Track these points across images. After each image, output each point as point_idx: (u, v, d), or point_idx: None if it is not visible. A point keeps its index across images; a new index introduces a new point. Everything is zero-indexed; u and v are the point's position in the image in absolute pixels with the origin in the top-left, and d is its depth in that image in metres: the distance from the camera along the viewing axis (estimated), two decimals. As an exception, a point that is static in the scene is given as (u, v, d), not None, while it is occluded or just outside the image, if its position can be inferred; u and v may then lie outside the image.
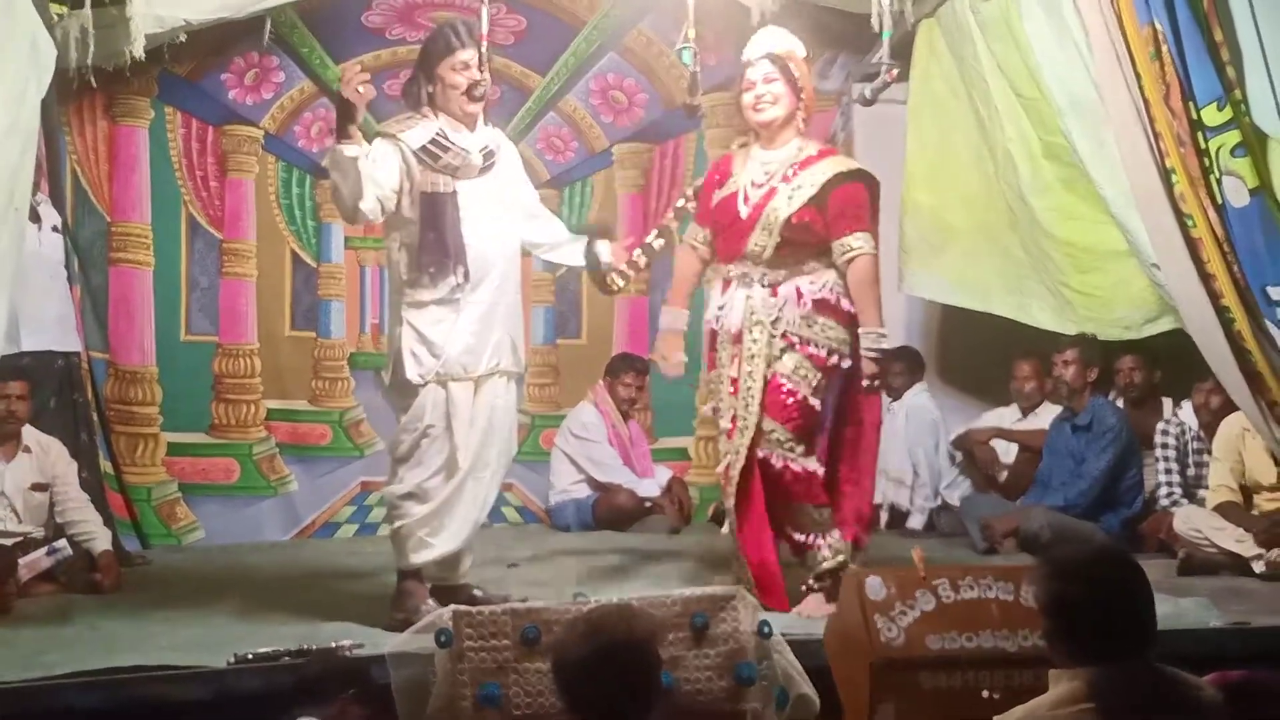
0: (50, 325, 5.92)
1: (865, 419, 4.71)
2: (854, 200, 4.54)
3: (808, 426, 4.53)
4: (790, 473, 4.50)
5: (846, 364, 4.56)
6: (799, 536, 4.59)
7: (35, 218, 5.91)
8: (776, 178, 4.56)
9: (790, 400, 4.48)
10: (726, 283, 4.64)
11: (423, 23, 6.68)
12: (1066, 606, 2.55)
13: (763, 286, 4.54)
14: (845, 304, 4.54)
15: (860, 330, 4.50)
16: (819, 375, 4.51)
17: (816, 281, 4.53)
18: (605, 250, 4.74)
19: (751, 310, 4.53)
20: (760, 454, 4.50)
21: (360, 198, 4.27)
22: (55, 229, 6.10)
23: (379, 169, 4.33)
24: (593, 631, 2.71)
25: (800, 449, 4.49)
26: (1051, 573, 2.61)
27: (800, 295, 4.51)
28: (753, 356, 4.52)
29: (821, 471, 4.59)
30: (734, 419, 4.54)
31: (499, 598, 4.47)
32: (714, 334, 4.70)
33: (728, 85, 7.26)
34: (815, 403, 4.52)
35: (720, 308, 4.65)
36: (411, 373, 4.38)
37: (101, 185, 6.86)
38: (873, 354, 4.48)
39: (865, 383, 4.52)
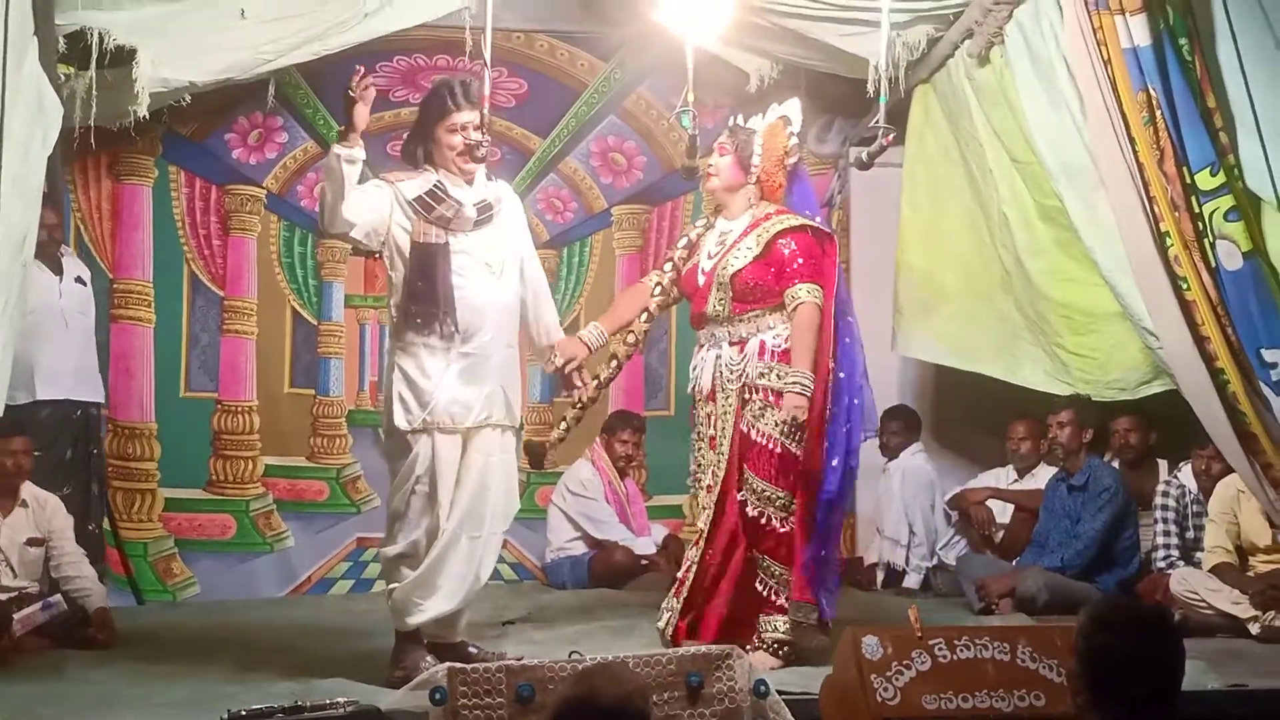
0: (66, 375, 5.99)
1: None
2: (800, 250, 4.70)
3: (794, 478, 4.65)
4: (769, 529, 4.64)
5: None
6: (759, 588, 4.69)
7: (58, 269, 6.02)
8: (729, 243, 4.78)
9: (773, 456, 4.61)
10: (699, 347, 4.87)
11: (425, 85, 6.74)
12: (1102, 656, 2.54)
13: (729, 345, 4.74)
14: (777, 353, 4.70)
15: (787, 369, 4.60)
16: (800, 428, 4.60)
17: (781, 335, 4.70)
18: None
19: (720, 369, 4.73)
20: (750, 512, 4.64)
21: (342, 199, 4.34)
22: (79, 280, 6.19)
23: (368, 197, 4.42)
24: (584, 685, 2.72)
25: (785, 500, 4.62)
26: (1093, 621, 2.61)
27: (764, 348, 4.69)
28: (725, 413, 4.70)
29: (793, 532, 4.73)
30: (713, 473, 4.73)
31: (494, 655, 4.46)
32: (693, 396, 4.90)
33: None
34: (798, 451, 4.62)
35: (694, 369, 4.87)
36: (400, 419, 4.41)
37: (104, 242, 6.91)
38: (793, 390, 4.55)
39: (780, 420, 4.57)
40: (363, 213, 4.42)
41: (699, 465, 4.86)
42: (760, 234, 4.72)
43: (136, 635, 5.48)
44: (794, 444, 4.59)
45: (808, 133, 7.37)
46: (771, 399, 4.61)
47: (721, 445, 4.70)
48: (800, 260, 4.69)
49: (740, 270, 4.68)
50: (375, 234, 4.48)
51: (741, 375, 4.67)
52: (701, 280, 4.80)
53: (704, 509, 4.76)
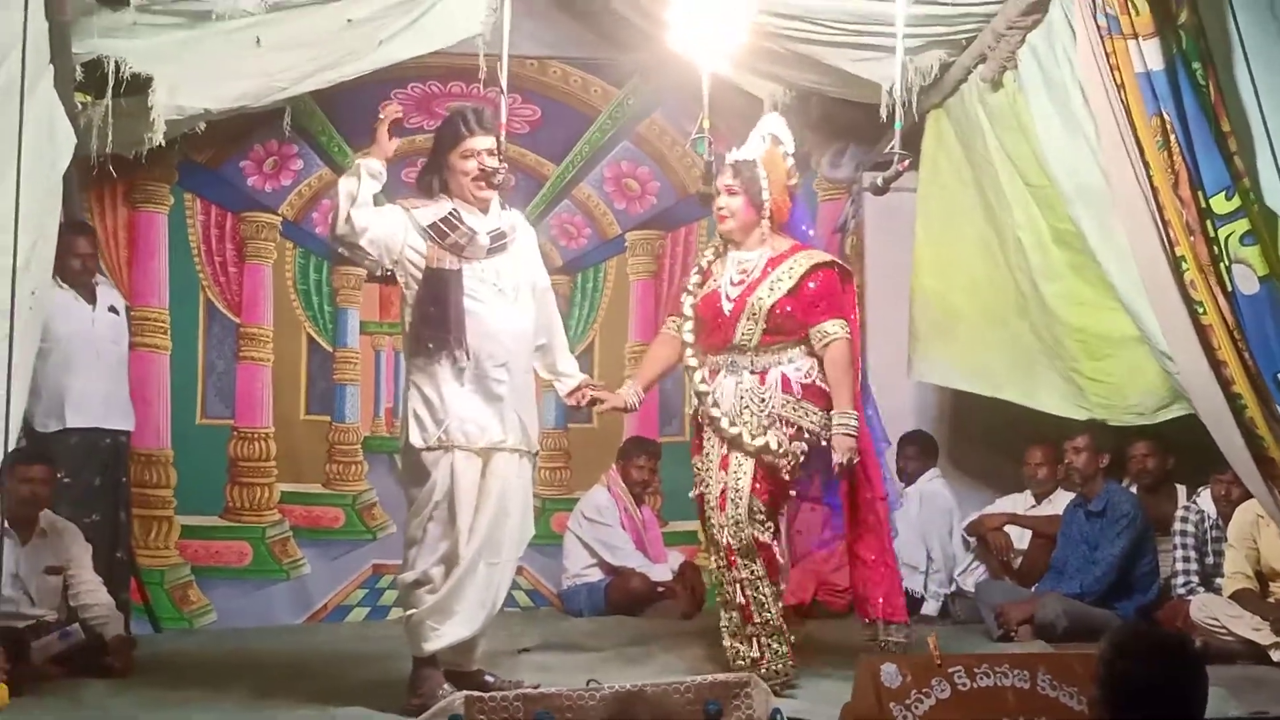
0: (96, 404, 6.01)
1: (866, 496, 4.88)
2: (826, 288, 4.80)
3: (775, 500, 4.75)
4: (757, 543, 4.68)
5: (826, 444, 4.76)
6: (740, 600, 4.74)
7: (91, 298, 6.08)
8: (754, 274, 4.82)
9: (765, 475, 4.68)
10: (714, 372, 4.84)
11: (440, 112, 6.78)
12: (1124, 684, 2.53)
13: (751, 374, 4.77)
14: (826, 388, 4.78)
15: (833, 412, 4.70)
16: (800, 453, 4.70)
17: (801, 368, 4.78)
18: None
19: (741, 395, 4.74)
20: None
21: (353, 203, 4.40)
22: (113, 309, 6.22)
23: (381, 212, 4.50)
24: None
25: (765, 520, 4.69)
26: (1115, 648, 2.59)
27: (787, 381, 4.75)
28: (739, 436, 4.70)
29: (780, 552, 4.80)
30: (723, 492, 4.71)
31: (511, 683, 4.46)
32: (706, 420, 4.86)
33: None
34: (786, 477, 4.72)
35: (710, 394, 4.82)
36: (415, 437, 4.43)
37: (121, 270, 6.95)
38: (843, 433, 4.65)
39: (837, 462, 4.65)
40: (374, 222, 4.46)
41: (705, 485, 4.82)
42: (791, 268, 4.78)
43: (153, 663, 5.49)
44: (784, 470, 4.68)
45: (821, 158, 7.41)
46: (776, 422, 4.69)
47: (742, 466, 4.69)
48: (827, 295, 4.77)
49: (776, 302, 4.73)
50: (387, 251, 4.51)
51: (765, 405, 4.71)
52: (728, 308, 4.80)
53: (732, 524, 4.67)
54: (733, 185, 4.84)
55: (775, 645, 4.67)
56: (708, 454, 4.82)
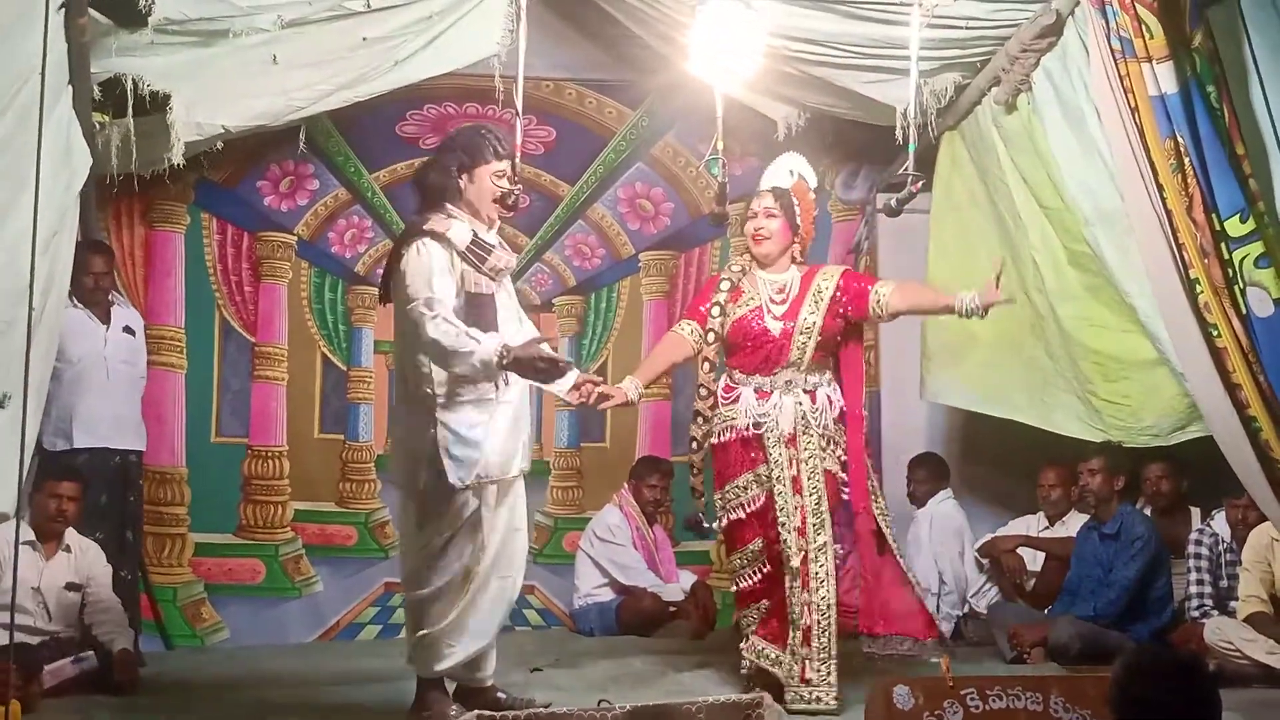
0: (104, 424, 6.00)
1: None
2: (857, 277, 5.14)
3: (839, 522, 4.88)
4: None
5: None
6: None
7: (105, 318, 6.09)
8: (792, 291, 4.98)
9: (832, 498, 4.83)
10: (764, 393, 4.91)
11: (455, 133, 6.83)
12: (1138, 706, 2.52)
13: (804, 392, 4.90)
14: (841, 410, 4.96)
15: (958, 299, 4.87)
16: (844, 474, 4.90)
17: (835, 392, 4.97)
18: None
19: (802, 414, 4.86)
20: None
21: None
22: (128, 330, 6.21)
23: (443, 276, 4.33)
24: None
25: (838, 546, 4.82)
26: (1129, 670, 2.59)
27: (831, 402, 4.93)
28: (810, 457, 4.83)
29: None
30: (803, 514, 4.77)
31: (522, 702, 4.45)
32: (750, 439, 4.90)
33: (751, 195, 7.45)
34: (845, 497, 4.90)
35: (765, 415, 4.89)
36: (453, 475, 4.32)
37: (137, 289, 6.99)
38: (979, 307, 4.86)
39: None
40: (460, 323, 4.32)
41: (780, 508, 4.78)
42: (822, 282, 4.97)
43: (165, 681, 5.50)
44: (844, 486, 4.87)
45: (835, 179, 7.44)
46: (829, 446, 4.88)
47: (818, 488, 4.80)
48: (860, 278, 5.06)
49: (821, 322, 4.91)
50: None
51: (821, 425, 4.86)
52: (776, 327, 4.91)
53: (800, 550, 4.72)
54: (773, 209, 5.00)
55: (828, 670, 4.65)
56: (779, 472, 4.81)
